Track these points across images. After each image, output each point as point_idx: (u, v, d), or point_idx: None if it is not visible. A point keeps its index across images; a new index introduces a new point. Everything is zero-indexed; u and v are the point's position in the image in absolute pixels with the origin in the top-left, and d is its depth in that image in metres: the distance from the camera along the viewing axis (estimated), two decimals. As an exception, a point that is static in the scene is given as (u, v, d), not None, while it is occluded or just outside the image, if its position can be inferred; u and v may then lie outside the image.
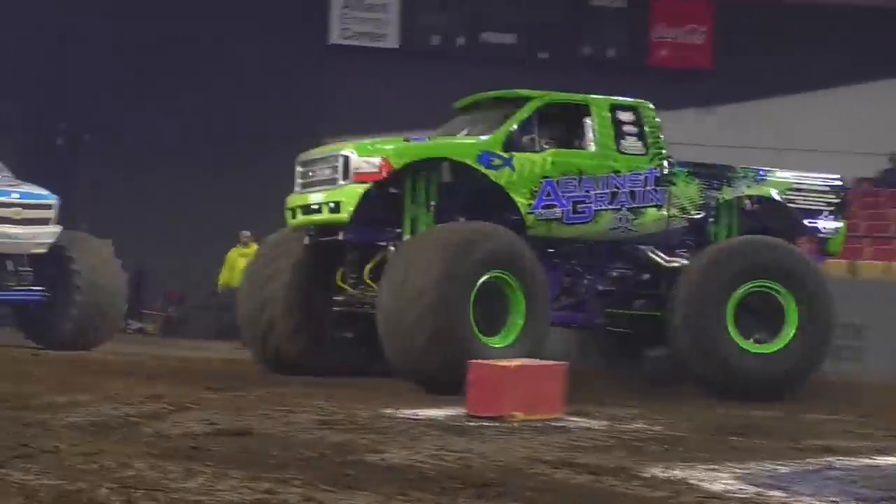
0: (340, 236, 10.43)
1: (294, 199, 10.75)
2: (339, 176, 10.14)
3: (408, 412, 8.07)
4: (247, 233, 19.12)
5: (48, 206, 14.80)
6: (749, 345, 10.61)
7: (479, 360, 8.50)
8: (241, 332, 12.62)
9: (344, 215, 10.12)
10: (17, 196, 14.50)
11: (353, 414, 7.74)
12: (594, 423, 8.01)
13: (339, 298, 10.94)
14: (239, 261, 18.04)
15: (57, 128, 25.31)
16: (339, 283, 10.86)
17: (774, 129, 23.50)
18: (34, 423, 6.35)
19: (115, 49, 24.12)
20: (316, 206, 10.35)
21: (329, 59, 25.16)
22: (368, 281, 10.51)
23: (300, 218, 10.56)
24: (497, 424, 7.55)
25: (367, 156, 10.19)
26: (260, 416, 7.29)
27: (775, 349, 10.62)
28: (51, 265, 14.67)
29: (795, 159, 17.59)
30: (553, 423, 7.79)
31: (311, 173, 10.58)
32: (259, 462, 5.18)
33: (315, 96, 24.57)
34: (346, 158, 10.17)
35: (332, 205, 10.19)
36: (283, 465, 5.09)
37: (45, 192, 14.96)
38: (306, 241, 10.88)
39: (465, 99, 12.17)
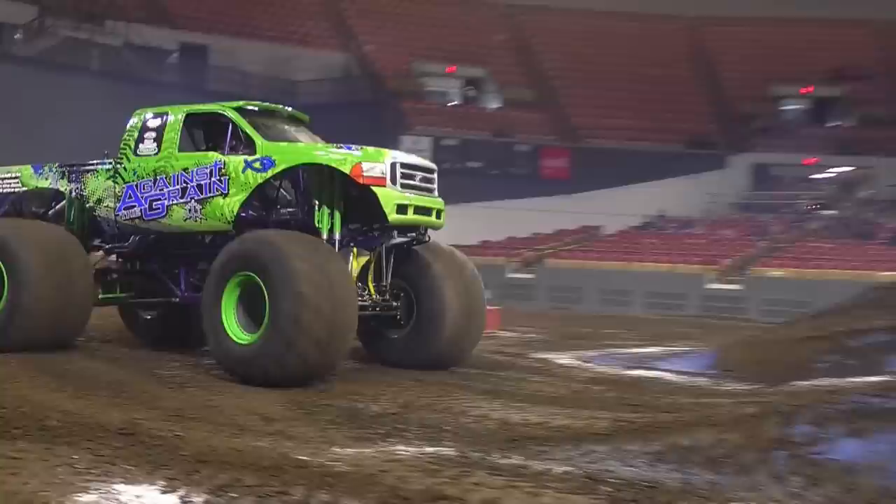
0: (427, 239, 10.84)
1: (405, 197, 9.81)
2: (435, 186, 10.37)
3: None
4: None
5: None
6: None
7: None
8: None
9: (443, 222, 10.53)
10: None
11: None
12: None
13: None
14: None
15: None
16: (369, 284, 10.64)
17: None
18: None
19: None
20: (429, 210, 10.15)
21: None
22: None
23: (411, 216, 9.88)
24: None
25: None
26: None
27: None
28: None
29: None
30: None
31: (415, 177, 10.00)
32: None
33: None
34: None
35: (437, 211, 10.29)
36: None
37: None
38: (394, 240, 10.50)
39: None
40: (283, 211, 10.50)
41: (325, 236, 9.98)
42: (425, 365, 10.78)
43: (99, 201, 11.06)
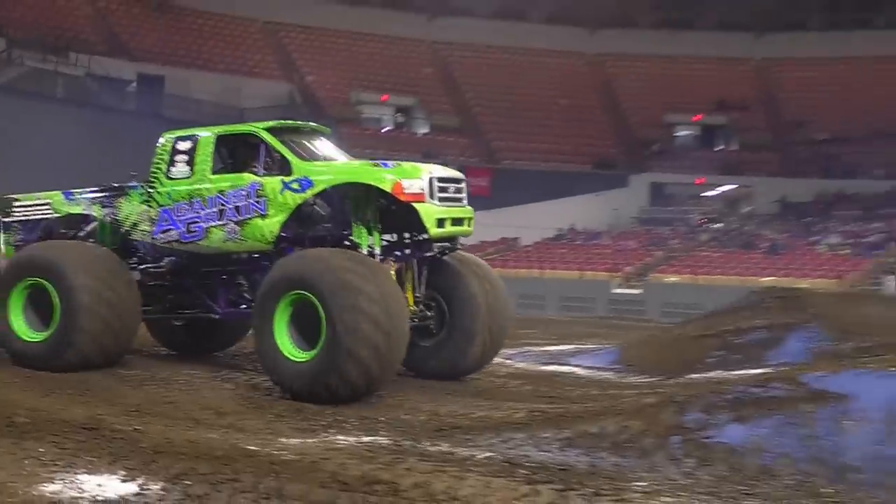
0: (459, 247, 10.13)
1: (443, 211, 9.07)
2: (465, 196, 9.58)
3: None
4: None
5: None
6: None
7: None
8: None
9: (472, 229, 9.81)
10: None
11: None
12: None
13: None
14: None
15: None
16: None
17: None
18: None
19: None
20: (462, 220, 9.44)
21: None
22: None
23: (449, 228, 9.17)
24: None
25: None
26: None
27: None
28: None
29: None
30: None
31: (446, 189, 9.19)
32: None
33: None
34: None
35: (468, 220, 9.61)
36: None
37: None
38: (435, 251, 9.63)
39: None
40: (319, 227, 9.48)
41: (364, 251, 9.17)
42: (458, 372, 10.09)
43: (134, 225, 10.02)
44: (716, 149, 46.15)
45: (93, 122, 33.52)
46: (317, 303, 8.23)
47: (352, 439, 6.77)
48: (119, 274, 9.52)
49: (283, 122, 10.18)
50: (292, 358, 8.46)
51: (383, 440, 6.72)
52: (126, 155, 30.02)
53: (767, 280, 29.39)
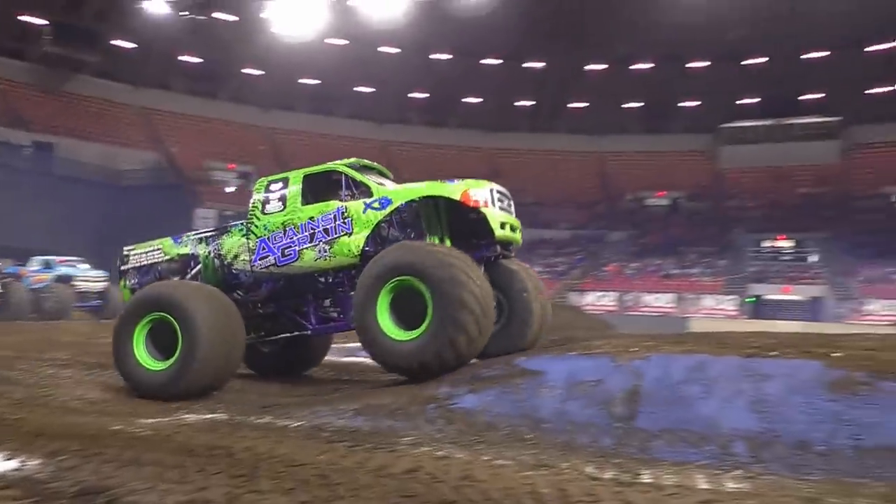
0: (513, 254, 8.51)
1: (504, 216, 7.87)
2: (514, 211, 8.22)
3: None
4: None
5: None
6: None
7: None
8: None
9: (521, 239, 8.35)
10: None
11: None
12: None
13: None
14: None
15: None
16: None
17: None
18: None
19: None
20: (515, 227, 8.11)
21: None
22: None
23: (508, 232, 7.89)
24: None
25: None
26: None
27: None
28: None
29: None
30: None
31: (503, 201, 7.94)
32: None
33: None
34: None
35: (518, 229, 8.24)
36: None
37: None
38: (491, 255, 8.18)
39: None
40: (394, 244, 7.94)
41: None
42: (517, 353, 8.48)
43: (235, 257, 8.57)
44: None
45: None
46: (424, 290, 6.84)
47: (197, 417, 6.37)
48: (228, 307, 7.92)
49: (358, 160, 8.85)
50: (393, 337, 6.98)
51: (222, 416, 6.37)
52: (23, 205, 27.23)
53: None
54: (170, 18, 39.75)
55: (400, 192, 7.99)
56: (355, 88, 46.59)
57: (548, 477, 4.31)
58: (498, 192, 7.85)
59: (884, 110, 41.31)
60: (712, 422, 5.11)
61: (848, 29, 37.40)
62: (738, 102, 44.91)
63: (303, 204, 8.30)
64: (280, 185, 8.55)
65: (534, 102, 47.98)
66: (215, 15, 40.12)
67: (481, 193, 7.66)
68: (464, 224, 8.02)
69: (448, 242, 8.04)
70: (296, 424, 5.91)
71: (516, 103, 47.78)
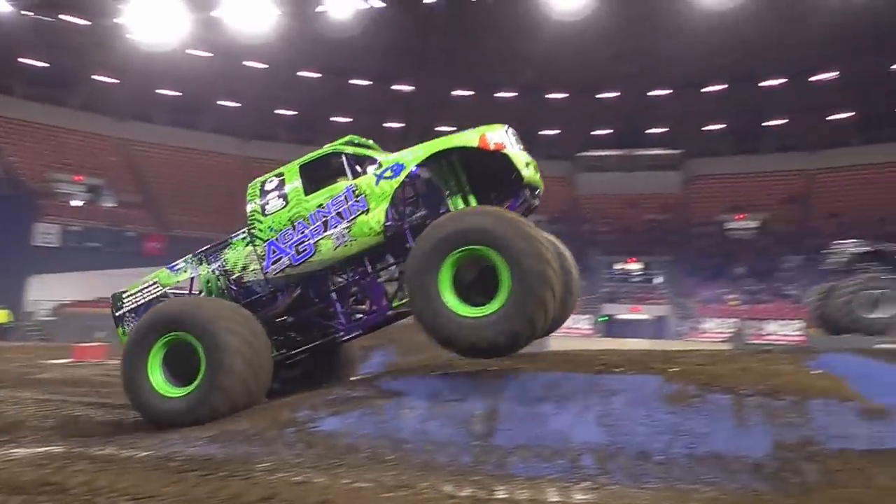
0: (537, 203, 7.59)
1: (526, 156, 7.07)
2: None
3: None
4: None
5: None
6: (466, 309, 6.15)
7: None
8: None
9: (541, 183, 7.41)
10: None
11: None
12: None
13: None
14: None
15: None
16: None
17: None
18: None
19: None
20: (537, 169, 7.26)
21: None
22: None
23: (533, 172, 7.07)
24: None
25: None
26: None
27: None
28: None
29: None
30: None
31: (520, 142, 7.07)
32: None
33: None
34: None
35: (539, 171, 7.32)
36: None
37: None
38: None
39: None
40: (416, 217, 7.21)
41: None
42: (556, 325, 7.99)
43: (244, 268, 7.60)
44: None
45: None
46: (499, 262, 5.96)
47: (27, 451, 5.81)
48: (253, 324, 7.00)
49: (352, 136, 7.92)
50: (459, 312, 6.07)
51: (57, 449, 5.85)
52: None
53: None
54: (11, 17, 36.62)
55: (410, 155, 7.11)
56: (219, 102, 45.02)
57: (407, 497, 4.33)
58: (513, 132, 7.02)
59: (719, 145, 45.60)
60: (564, 436, 5.35)
61: (688, 70, 40.93)
62: (592, 133, 47.76)
63: (307, 195, 7.43)
64: (275, 183, 7.68)
65: (403, 124, 48.54)
66: (64, 17, 37.39)
67: (498, 135, 6.83)
68: (485, 178, 7.18)
69: (473, 201, 7.21)
70: (142, 455, 5.55)
71: (385, 124, 48.13)
